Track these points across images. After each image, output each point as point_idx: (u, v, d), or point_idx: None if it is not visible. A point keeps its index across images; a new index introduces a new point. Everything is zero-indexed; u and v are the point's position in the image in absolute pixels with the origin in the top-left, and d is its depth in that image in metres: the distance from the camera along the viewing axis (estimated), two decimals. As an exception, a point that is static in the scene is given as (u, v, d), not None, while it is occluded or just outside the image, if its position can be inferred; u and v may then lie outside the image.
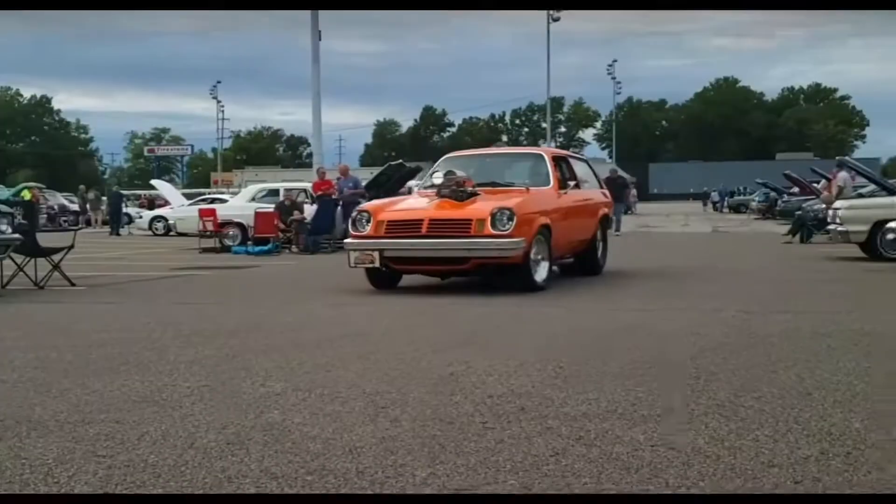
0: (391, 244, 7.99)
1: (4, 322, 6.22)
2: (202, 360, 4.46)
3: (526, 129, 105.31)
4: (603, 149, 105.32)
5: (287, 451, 2.81)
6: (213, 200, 23.57)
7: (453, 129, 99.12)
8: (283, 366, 4.28)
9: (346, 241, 8.47)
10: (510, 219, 7.71)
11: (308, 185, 17.78)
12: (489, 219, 7.74)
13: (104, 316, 6.52)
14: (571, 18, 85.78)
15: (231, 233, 16.22)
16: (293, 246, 15.41)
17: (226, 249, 15.50)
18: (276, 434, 3.02)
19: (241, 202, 18.35)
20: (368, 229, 8.12)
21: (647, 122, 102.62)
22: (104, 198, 30.94)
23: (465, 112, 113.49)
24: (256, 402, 3.49)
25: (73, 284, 8.90)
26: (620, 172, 25.00)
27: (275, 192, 18.18)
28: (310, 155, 66.72)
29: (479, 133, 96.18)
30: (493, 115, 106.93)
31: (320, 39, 23.36)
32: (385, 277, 8.36)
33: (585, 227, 9.58)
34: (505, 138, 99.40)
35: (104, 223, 27.67)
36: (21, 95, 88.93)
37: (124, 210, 26.76)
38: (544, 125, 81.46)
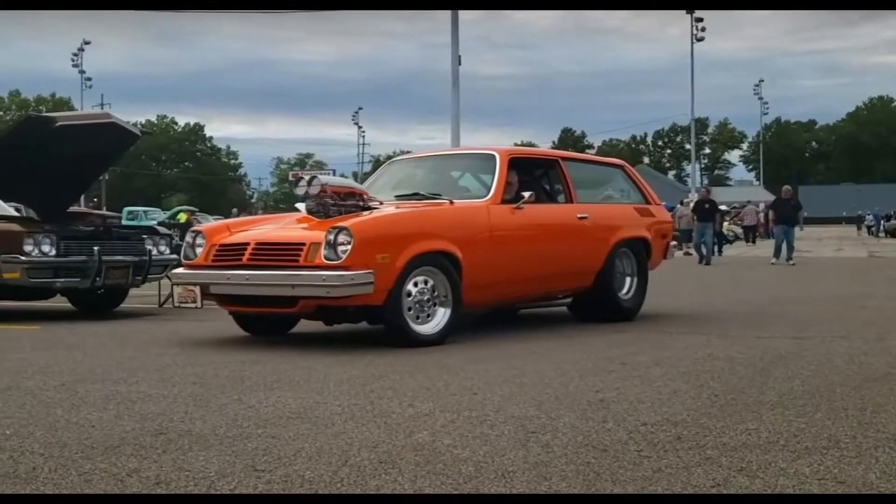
0: (213, 276, 6.06)
1: (163, 339, 6.49)
2: (351, 380, 4.52)
3: (668, 151, 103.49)
4: (749, 171, 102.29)
5: (439, 473, 2.80)
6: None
7: (592, 151, 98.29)
8: (429, 386, 4.30)
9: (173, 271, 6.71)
10: (347, 242, 5.57)
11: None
12: (323, 242, 5.68)
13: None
14: (716, 38, 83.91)
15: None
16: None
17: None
18: (427, 455, 3.02)
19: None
20: (199, 256, 6.27)
21: (795, 143, 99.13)
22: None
23: (604, 134, 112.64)
24: (405, 423, 3.51)
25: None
26: (710, 196, 21.42)
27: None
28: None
29: (619, 155, 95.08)
30: (633, 137, 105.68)
31: (460, 64, 23.60)
32: (255, 320, 6.50)
33: (576, 255, 7.15)
34: (647, 160, 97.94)
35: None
36: (176, 123, 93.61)
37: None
38: (688, 146, 79.81)
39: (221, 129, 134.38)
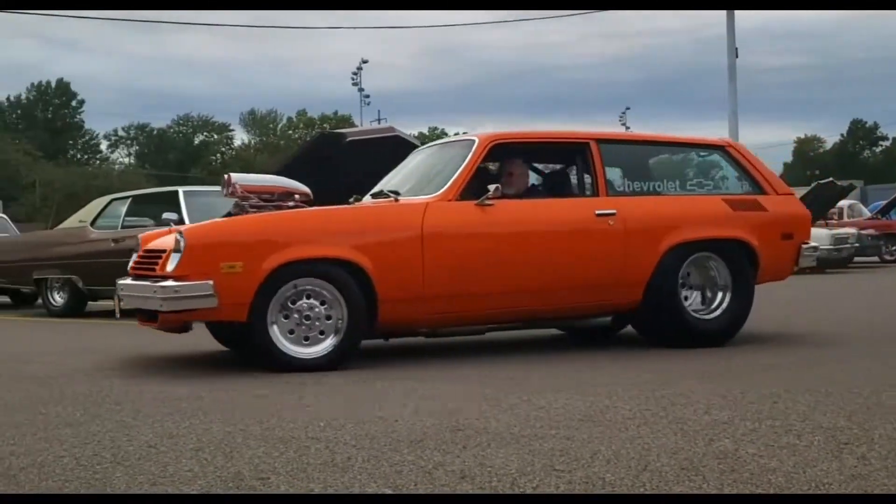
0: (124, 287, 5.63)
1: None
2: (640, 384, 4.45)
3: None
4: None
5: (746, 482, 2.68)
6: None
7: (886, 143, 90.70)
8: (725, 394, 4.13)
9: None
10: (179, 250, 5.04)
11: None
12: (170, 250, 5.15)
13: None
14: None
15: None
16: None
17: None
18: (731, 463, 2.89)
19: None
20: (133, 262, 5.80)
21: None
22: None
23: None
24: (704, 430, 3.39)
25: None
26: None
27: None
28: (723, 178, 65.04)
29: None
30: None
31: (737, 56, 22.72)
32: (227, 330, 5.80)
33: (594, 263, 5.74)
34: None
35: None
36: (446, 134, 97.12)
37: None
38: None
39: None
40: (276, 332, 5.11)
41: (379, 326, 5.42)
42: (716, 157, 6.63)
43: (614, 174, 6.11)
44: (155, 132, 72.59)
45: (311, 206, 6.04)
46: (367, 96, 55.78)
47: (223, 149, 74.80)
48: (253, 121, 74.41)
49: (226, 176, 6.10)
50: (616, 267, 5.77)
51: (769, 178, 6.43)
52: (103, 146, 71.25)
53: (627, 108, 74.62)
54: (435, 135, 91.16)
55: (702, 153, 6.81)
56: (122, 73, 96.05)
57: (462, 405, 3.98)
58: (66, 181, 40.41)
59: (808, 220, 6.52)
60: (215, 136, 75.33)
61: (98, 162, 66.23)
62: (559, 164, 6.52)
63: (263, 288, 5.05)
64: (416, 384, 4.58)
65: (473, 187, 5.58)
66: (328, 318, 5.20)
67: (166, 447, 3.28)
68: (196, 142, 73.86)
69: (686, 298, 5.97)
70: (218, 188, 7.29)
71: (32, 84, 66.23)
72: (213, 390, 4.54)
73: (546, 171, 6.49)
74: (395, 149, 9.41)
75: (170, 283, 5.00)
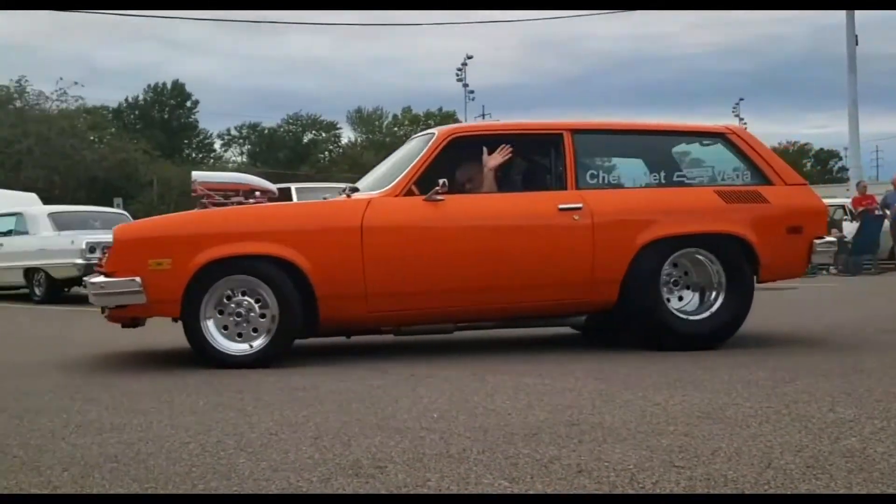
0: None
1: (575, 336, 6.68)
2: (758, 382, 4.33)
3: None
4: None
5: (876, 481, 2.58)
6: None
7: None
8: (850, 392, 3.99)
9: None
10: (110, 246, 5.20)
11: (844, 201, 16.74)
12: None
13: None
14: None
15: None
16: (831, 267, 14.55)
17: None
18: (859, 462, 2.79)
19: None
20: None
21: None
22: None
23: None
24: (828, 428, 3.28)
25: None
26: None
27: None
28: (841, 169, 62.69)
29: None
30: None
31: (857, 44, 21.88)
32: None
33: (557, 259, 5.45)
34: None
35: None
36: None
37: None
38: None
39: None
40: (209, 328, 5.16)
41: (322, 324, 5.37)
42: (718, 146, 6.05)
43: (593, 166, 5.85)
44: (266, 131, 74.40)
45: (274, 203, 6.04)
46: (472, 92, 55.82)
47: (331, 147, 76.10)
48: (359, 118, 75.48)
49: (192, 174, 6.18)
50: (583, 264, 5.48)
51: (776, 167, 5.92)
52: (217, 145, 73.43)
53: (741, 100, 72.83)
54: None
55: (700, 142, 6.26)
56: (235, 74, 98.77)
57: (575, 401, 3.95)
58: (183, 179, 41.81)
59: (822, 213, 6.02)
60: (323, 135, 76.71)
61: (212, 160, 68.28)
62: (536, 156, 6.12)
63: (193, 285, 5.11)
64: (528, 379, 4.56)
65: (432, 181, 5.39)
66: (262, 315, 5.22)
67: (286, 435, 3.36)
68: (305, 140, 75.36)
69: (681, 298, 5.69)
70: (328, 185, 7.44)
71: (149, 85, 68.67)
72: (328, 381, 4.63)
73: (521, 165, 6.07)
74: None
75: (100, 278, 5.15)
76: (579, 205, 5.50)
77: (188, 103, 70.64)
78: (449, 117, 65.15)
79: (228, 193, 5.90)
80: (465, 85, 55.87)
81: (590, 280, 5.50)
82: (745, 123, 73.77)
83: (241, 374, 4.95)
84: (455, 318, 5.62)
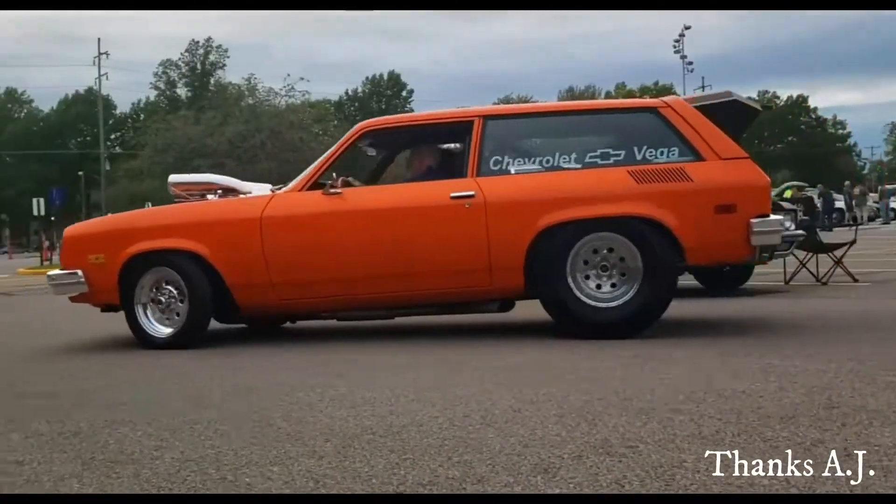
0: None
1: (813, 316, 6.35)
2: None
3: None
4: None
5: None
6: None
7: None
8: None
9: None
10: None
11: None
12: None
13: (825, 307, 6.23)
14: None
15: None
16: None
17: None
18: None
19: None
20: None
21: None
22: (872, 194, 30.75)
23: None
24: None
25: (855, 280, 8.79)
26: None
27: None
28: None
29: None
30: None
31: None
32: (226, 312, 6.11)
33: (451, 247, 5.41)
34: None
35: (870, 219, 27.14)
36: (778, 98, 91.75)
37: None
38: None
39: (829, 99, 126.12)
40: (141, 313, 5.86)
41: (243, 311, 5.93)
42: (650, 121, 5.50)
43: (501, 153, 5.61)
44: (478, 115, 75.49)
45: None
46: (691, 63, 54.06)
47: (543, 128, 76.15)
48: (571, 97, 74.97)
49: (169, 178, 6.64)
50: (478, 251, 5.40)
51: (711, 141, 5.35)
52: (431, 131, 75.33)
53: None
54: (766, 98, 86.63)
55: (629, 119, 5.75)
56: (447, 60, 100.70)
57: (831, 382, 3.73)
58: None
59: (762, 190, 5.32)
60: (536, 115, 76.88)
61: (428, 147, 70.03)
62: (453, 145, 6.02)
63: (123, 277, 5.84)
64: (774, 360, 4.35)
65: (339, 174, 5.85)
66: (181, 301, 5.79)
67: (529, 412, 3.37)
68: (517, 122, 75.88)
69: (599, 287, 5.37)
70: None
71: (367, 77, 71.40)
72: (559, 360, 4.62)
73: (437, 155, 6.10)
74: (734, 115, 9.03)
75: (55, 271, 6.15)
76: (472, 192, 5.45)
77: (403, 93, 72.70)
78: (666, 90, 63.31)
79: (206, 193, 6.39)
80: (684, 56, 54.19)
81: (487, 267, 5.45)
82: None
83: (479, 351, 5.03)
84: (366, 306, 5.79)
